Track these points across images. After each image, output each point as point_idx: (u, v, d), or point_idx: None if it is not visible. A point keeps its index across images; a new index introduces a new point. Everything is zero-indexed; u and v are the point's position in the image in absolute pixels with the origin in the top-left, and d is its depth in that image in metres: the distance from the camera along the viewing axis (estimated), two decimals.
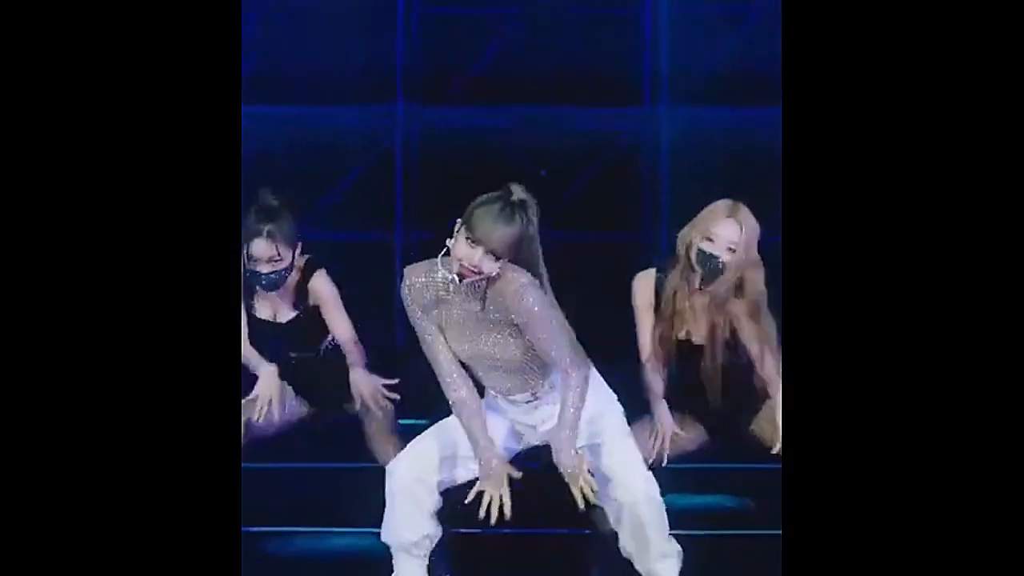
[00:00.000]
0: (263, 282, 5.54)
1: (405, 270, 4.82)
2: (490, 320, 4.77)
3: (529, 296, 4.68)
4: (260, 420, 5.51)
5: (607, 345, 5.24)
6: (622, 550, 4.94)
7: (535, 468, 5.18)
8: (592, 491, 4.76)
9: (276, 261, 5.52)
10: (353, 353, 5.65)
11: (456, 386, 4.83)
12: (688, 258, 5.35)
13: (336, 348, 5.74)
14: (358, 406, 5.61)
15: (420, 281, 4.77)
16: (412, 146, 8.37)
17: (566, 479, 4.77)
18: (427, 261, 4.75)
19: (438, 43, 8.23)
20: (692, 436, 5.54)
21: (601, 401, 4.94)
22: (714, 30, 8.41)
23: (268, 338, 5.63)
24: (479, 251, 4.63)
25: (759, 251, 5.43)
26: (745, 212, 5.31)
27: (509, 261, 4.66)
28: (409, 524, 4.90)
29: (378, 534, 5.06)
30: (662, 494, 4.96)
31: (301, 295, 5.66)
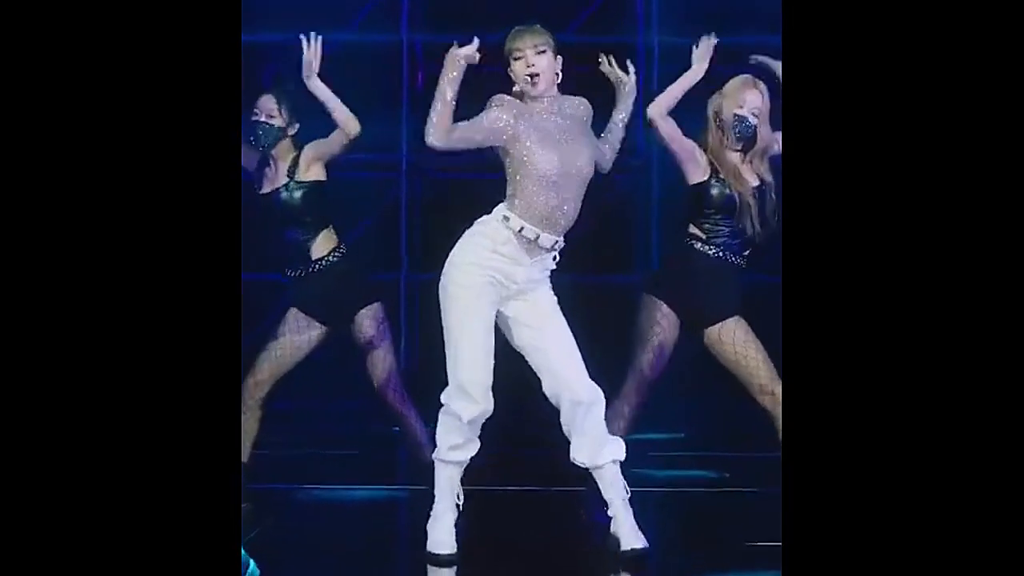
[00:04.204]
0: (259, 132, 6.47)
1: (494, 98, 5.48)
2: (571, 132, 5.49)
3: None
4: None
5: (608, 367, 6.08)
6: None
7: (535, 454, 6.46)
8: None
9: (272, 118, 6.46)
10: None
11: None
12: (718, 122, 6.13)
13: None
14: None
15: (507, 98, 5.46)
16: (416, 199, 8.99)
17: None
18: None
19: None
20: None
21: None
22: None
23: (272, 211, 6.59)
24: (529, 55, 5.38)
25: None
26: (763, 84, 6.09)
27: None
28: (453, 443, 5.66)
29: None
30: None
31: (294, 167, 6.54)
